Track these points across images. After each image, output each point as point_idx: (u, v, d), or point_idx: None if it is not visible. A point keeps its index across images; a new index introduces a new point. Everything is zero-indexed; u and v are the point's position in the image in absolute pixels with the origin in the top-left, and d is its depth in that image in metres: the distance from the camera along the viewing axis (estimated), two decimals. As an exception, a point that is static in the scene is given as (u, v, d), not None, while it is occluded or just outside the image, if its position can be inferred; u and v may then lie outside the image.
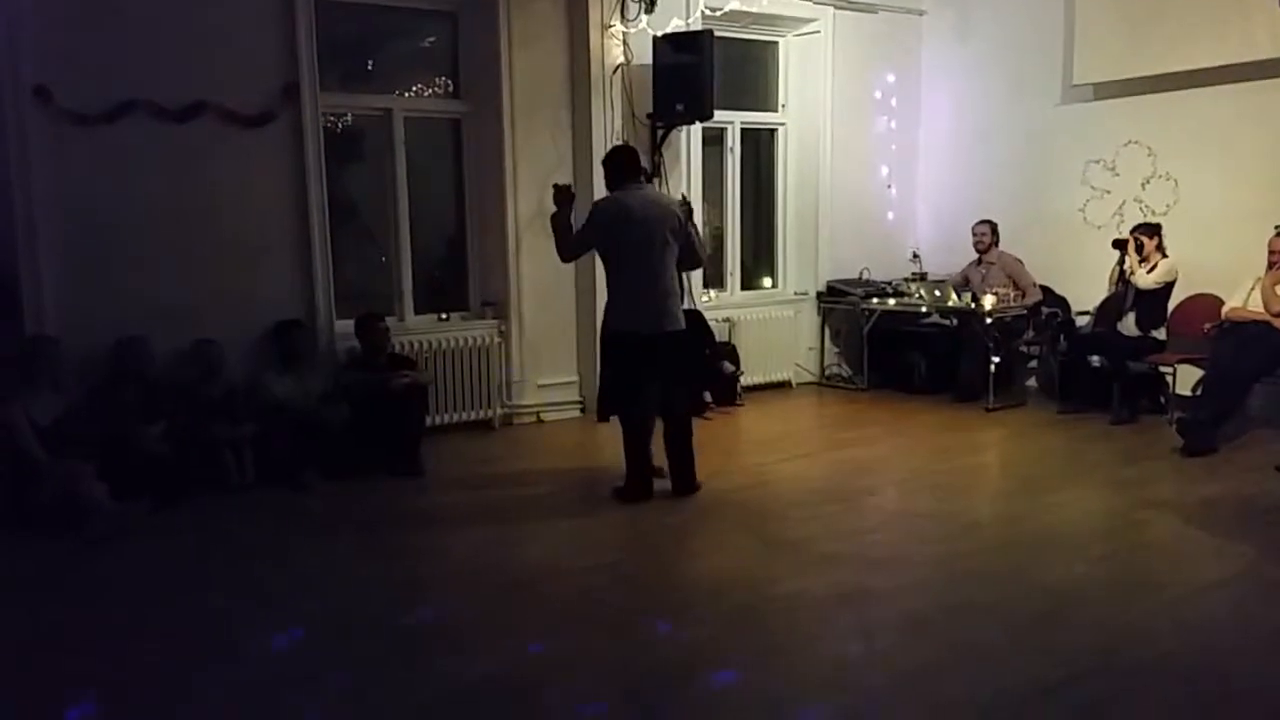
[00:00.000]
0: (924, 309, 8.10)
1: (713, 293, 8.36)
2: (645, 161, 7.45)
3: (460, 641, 3.70)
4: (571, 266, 7.23)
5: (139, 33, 5.70)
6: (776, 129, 8.76)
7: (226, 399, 5.73)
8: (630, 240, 5.11)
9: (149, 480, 5.13)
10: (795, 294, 8.79)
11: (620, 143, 6.03)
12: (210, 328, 5.86)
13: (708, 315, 7.77)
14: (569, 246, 5.38)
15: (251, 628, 3.81)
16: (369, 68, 7.19)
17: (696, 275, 7.94)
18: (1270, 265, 6.37)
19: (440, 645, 3.67)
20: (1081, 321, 7.66)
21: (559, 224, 5.31)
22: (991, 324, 7.48)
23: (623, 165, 5.28)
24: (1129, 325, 7.02)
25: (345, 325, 6.44)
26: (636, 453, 5.30)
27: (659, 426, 5.42)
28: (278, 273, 6.26)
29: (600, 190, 7.03)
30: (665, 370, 5.26)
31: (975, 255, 8.07)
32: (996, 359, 7.49)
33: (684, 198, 5.49)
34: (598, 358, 5.80)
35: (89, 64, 5.58)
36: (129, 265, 5.74)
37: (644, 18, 7.27)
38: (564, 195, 5.30)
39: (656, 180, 7.64)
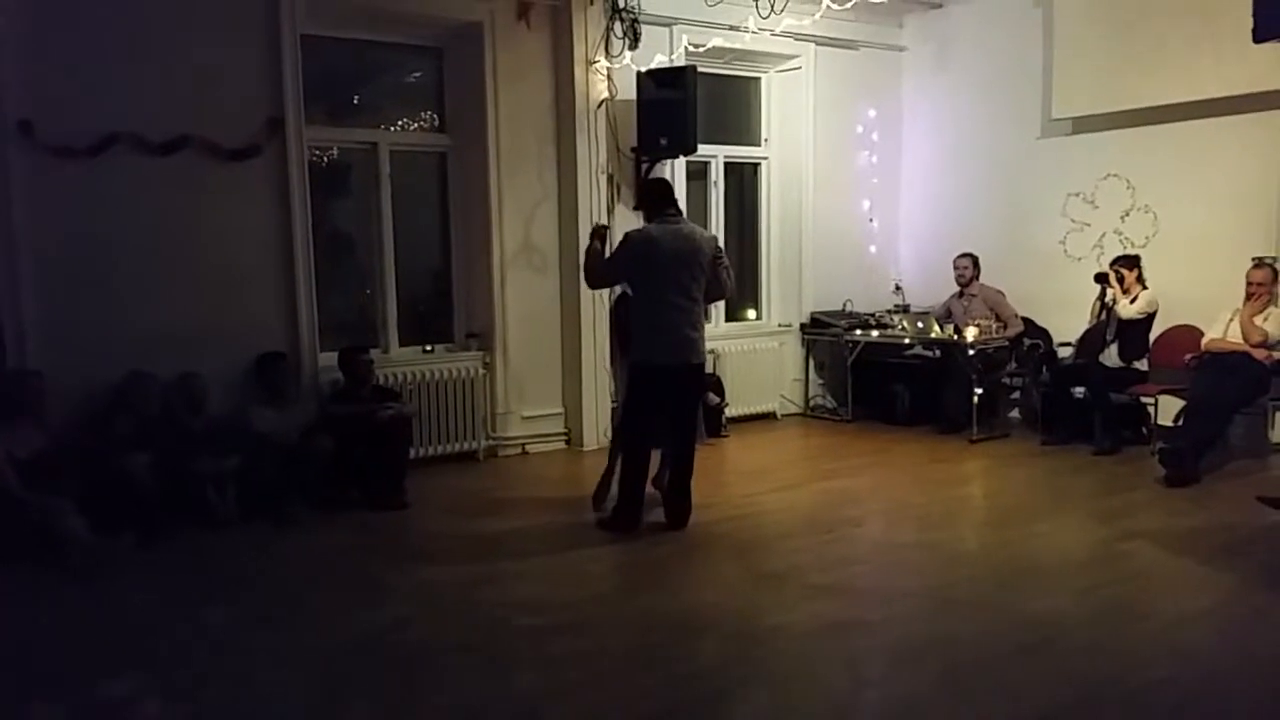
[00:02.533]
0: (907, 341, 8.14)
1: (697, 325, 8.37)
2: (630, 196, 7.56)
3: (443, 677, 3.67)
4: (556, 299, 7.34)
5: (122, 66, 5.71)
6: (759, 163, 8.84)
7: (210, 432, 5.69)
8: (655, 274, 5.19)
9: (131, 514, 5.08)
10: (779, 326, 8.82)
11: (655, 177, 6.11)
12: (193, 360, 5.82)
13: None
14: (597, 275, 5.55)
15: (229, 660, 3.77)
16: (355, 102, 7.23)
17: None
18: (1248, 296, 6.45)
19: (423, 681, 3.63)
20: (1063, 353, 7.71)
21: (590, 255, 5.51)
22: (974, 356, 7.52)
23: (654, 199, 5.42)
24: (1111, 356, 7.07)
25: (329, 358, 6.42)
26: (633, 484, 5.31)
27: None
28: (261, 305, 6.24)
29: (586, 222, 7.16)
30: (681, 402, 5.34)
31: (957, 288, 8.13)
32: (979, 390, 7.52)
33: (716, 241, 5.60)
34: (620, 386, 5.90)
35: (72, 98, 5.58)
36: (112, 299, 5.72)
37: (628, 54, 7.34)
38: (600, 233, 5.58)
39: (640, 214, 7.68)
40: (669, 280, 5.18)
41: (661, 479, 5.52)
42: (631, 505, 5.31)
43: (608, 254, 5.58)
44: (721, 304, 8.62)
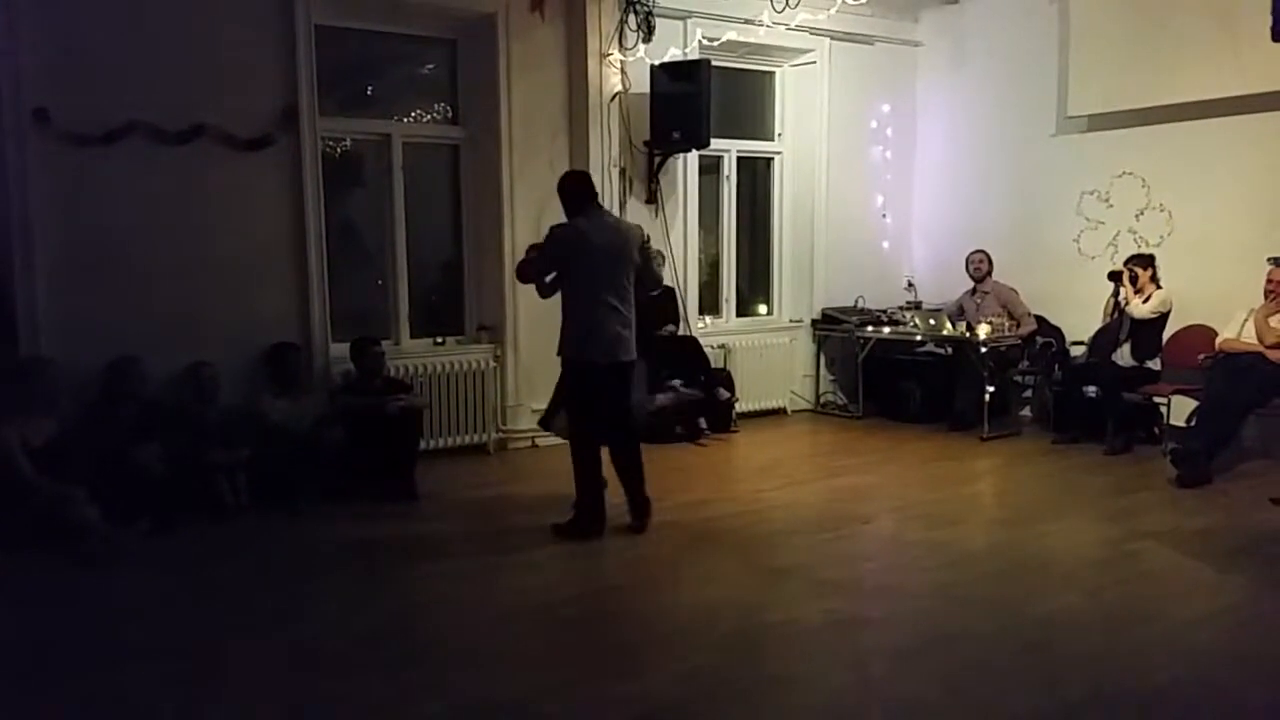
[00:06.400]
0: (919, 337, 8.12)
1: (708, 319, 8.38)
2: (642, 189, 7.57)
3: (449, 669, 3.68)
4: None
5: (139, 55, 5.73)
6: (773, 158, 8.82)
7: (221, 422, 5.71)
8: (586, 269, 5.04)
9: (143, 503, 5.11)
10: (790, 321, 8.81)
11: (573, 169, 5.75)
12: (206, 350, 5.86)
13: (703, 342, 7.79)
14: (529, 270, 5.33)
15: (236, 653, 3.78)
16: (368, 93, 7.24)
17: (692, 303, 7.98)
18: (1267, 296, 6.40)
19: (427, 674, 3.64)
20: (1076, 352, 7.68)
21: (529, 268, 5.33)
22: (986, 353, 7.49)
23: (578, 192, 5.18)
24: (1124, 356, 7.04)
25: (341, 348, 6.43)
26: (590, 484, 5.18)
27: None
28: (274, 295, 6.27)
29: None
30: (614, 399, 5.19)
31: (970, 284, 8.10)
32: (991, 388, 7.49)
33: (642, 232, 5.41)
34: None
35: (88, 86, 5.61)
36: (125, 287, 5.75)
37: (642, 47, 7.33)
38: (535, 248, 5.36)
39: (653, 207, 7.70)
40: (601, 276, 5.03)
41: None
42: (592, 507, 5.17)
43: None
44: (732, 300, 8.64)
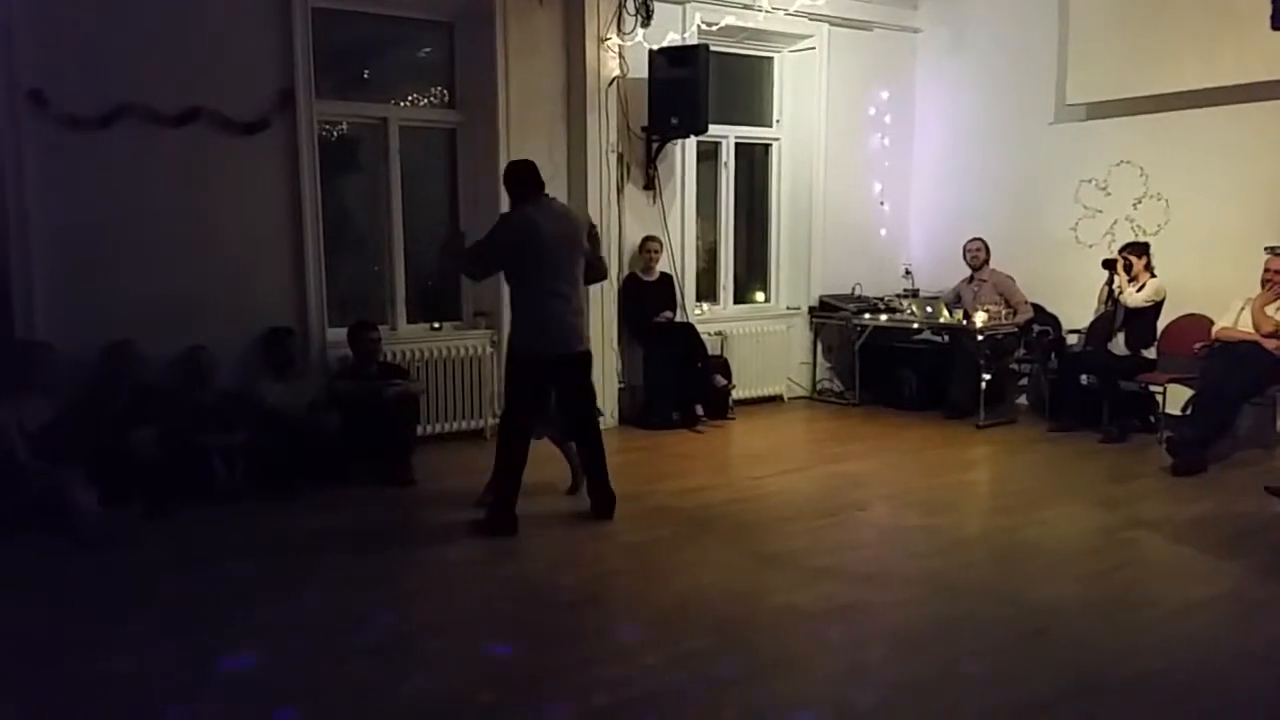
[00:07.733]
0: (916, 325, 8.12)
1: (705, 306, 8.38)
2: (640, 175, 7.55)
3: (443, 653, 3.68)
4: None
5: (135, 37, 5.71)
6: (771, 144, 8.79)
7: (217, 406, 5.70)
8: (538, 258, 4.89)
9: (139, 486, 5.11)
10: (788, 309, 8.81)
11: (519, 158, 5.50)
12: (202, 334, 5.85)
13: (700, 329, 7.79)
14: (472, 263, 5.24)
15: (225, 638, 3.78)
16: (365, 76, 7.21)
17: (690, 290, 7.97)
18: (1264, 284, 6.41)
19: (417, 659, 3.64)
20: (1072, 340, 7.69)
21: (462, 252, 5.25)
22: (983, 341, 7.49)
23: (526, 180, 5.05)
24: (1119, 344, 7.05)
25: (337, 333, 6.42)
26: (511, 479, 5.05)
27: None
28: (270, 280, 6.25)
29: (596, 200, 7.12)
30: (575, 390, 5.15)
31: (967, 272, 8.10)
32: (987, 376, 7.50)
33: (589, 218, 5.34)
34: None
35: (84, 68, 5.58)
36: (121, 270, 5.73)
37: (640, 31, 7.30)
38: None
39: (651, 194, 7.68)
40: (553, 265, 4.90)
41: (577, 471, 5.48)
42: (508, 504, 5.05)
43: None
44: (729, 287, 8.63)
